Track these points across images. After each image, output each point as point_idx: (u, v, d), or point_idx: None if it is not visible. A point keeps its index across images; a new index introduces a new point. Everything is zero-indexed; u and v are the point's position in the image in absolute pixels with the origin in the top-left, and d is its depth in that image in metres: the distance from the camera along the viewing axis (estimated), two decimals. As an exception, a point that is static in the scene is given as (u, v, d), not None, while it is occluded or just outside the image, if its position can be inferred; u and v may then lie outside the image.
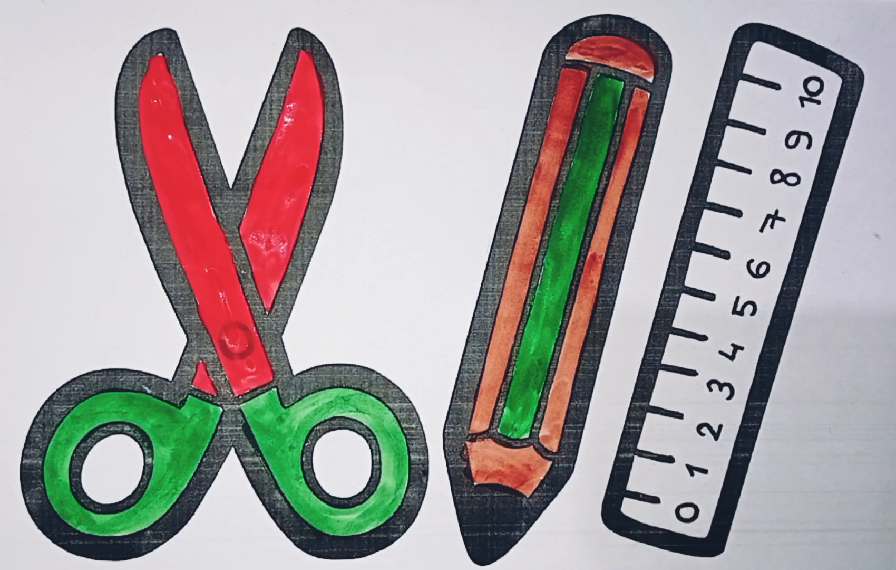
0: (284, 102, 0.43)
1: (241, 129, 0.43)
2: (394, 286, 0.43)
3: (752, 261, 0.44)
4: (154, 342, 0.43)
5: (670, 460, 0.45)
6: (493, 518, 0.44)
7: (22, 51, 0.42)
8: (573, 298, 0.44)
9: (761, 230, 0.44)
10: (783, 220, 0.44)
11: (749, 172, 0.44)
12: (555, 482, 0.44)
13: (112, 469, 0.43)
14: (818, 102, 0.44)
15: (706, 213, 0.44)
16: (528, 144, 0.43)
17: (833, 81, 0.44)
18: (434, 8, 0.43)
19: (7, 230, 0.42)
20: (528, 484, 0.44)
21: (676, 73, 0.44)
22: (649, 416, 0.44)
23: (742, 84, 0.44)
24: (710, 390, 0.44)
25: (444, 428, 0.44)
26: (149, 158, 0.43)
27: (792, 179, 0.44)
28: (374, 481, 0.44)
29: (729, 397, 0.44)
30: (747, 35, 0.44)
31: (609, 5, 0.44)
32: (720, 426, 0.45)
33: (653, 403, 0.44)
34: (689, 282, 0.44)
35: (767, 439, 0.45)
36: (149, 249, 0.43)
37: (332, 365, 0.43)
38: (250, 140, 0.43)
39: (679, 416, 0.44)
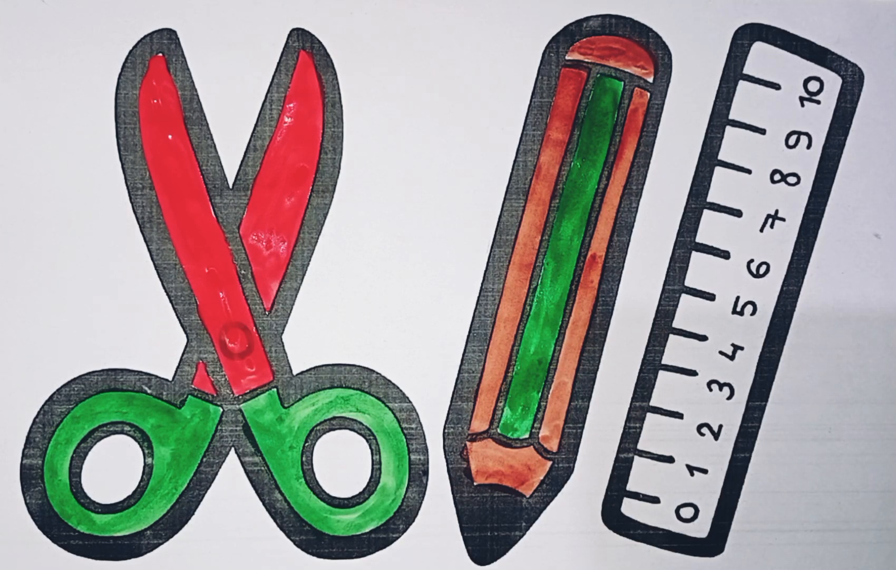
0: (284, 102, 0.43)
1: (241, 129, 0.43)
2: (394, 286, 0.43)
3: (752, 261, 0.44)
4: (154, 342, 0.43)
5: (670, 460, 0.45)
6: (493, 518, 0.44)
7: (22, 51, 0.42)
8: (573, 298, 0.44)
9: (761, 230, 0.44)
10: (783, 220, 0.44)
11: (749, 172, 0.44)
12: (555, 482, 0.44)
13: (112, 469, 0.43)
14: (818, 102, 0.44)
15: (706, 213, 0.44)
16: (528, 144, 0.43)
17: (833, 81, 0.44)
18: (434, 8, 0.43)
19: (7, 230, 0.42)
20: (528, 484, 0.44)
21: (676, 73, 0.44)
22: (649, 416, 0.44)
23: (742, 84, 0.44)
24: (710, 390, 0.44)
25: (444, 428, 0.44)
26: (149, 158, 0.43)
27: (792, 179, 0.44)
28: (374, 481, 0.44)
29: (729, 397, 0.44)
30: (747, 35, 0.44)
31: (609, 5, 0.44)
32: (720, 426, 0.45)
33: (653, 403, 0.44)
34: (689, 282, 0.44)
35: (767, 439, 0.45)
36: (149, 249, 0.43)
37: (332, 365, 0.43)
38: (250, 140, 0.43)
39: (679, 416, 0.44)
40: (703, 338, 0.44)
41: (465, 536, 0.44)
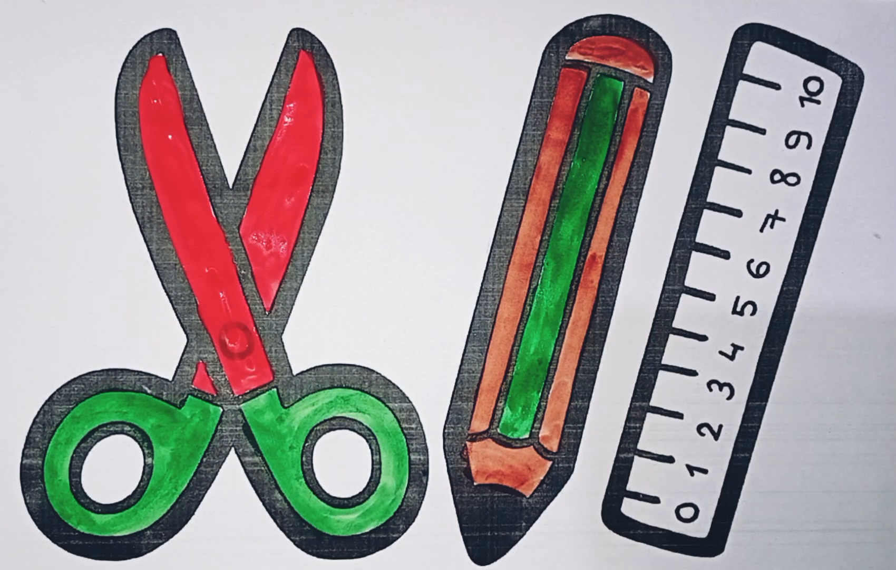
0: (284, 102, 0.43)
1: (241, 129, 0.43)
2: (394, 286, 0.43)
3: (752, 261, 0.44)
4: (154, 342, 0.43)
5: (670, 460, 0.45)
6: (493, 518, 0.44)
7: (22, 51, 0.42)
8: (573, 298, 0.44)
9: (761, 230, 0.44)
10: (783, 220, 0.44)
11: (749, 172, 0.44)
12: (555, 482, 0.44)
13: (112, 469, 0.43)
14: (818, 102, 0.44)
15: (706, 213, 0.44)
16: (528, 144, 0.43)
17: (833, 81, 0.44)
18: (434, 8, 0.43)
19: (7, 230, 0.42)
20: (528, 484, 0.44)
21: (676, 73, 0.44)
22: (649, 416, 0.44)
23: (742, 84, 0.44)
24: (710, 390, 0.44)
25: (444, 428, 0.44)
26: (149, 158, 0.43)
27: (792, 179, 0.44)
28: (374, 481, 0.44)
29: (729, 397, 0.44)
30: (747, 35, 0.44)
31: (609, 5, 0.44)
32: (720, 426, 0.45)
33: (653, 403, 0.44)
34: (689, 282, 0.44)
35: (767, 439, 0.45)
36: (149, 249, 0.43)
37: (332, 365, 0.43)
38: (250, 140, 0.43)
39: (679, 416, 0.44)
40: (703, 338, 0.44)
41: (465, 536, 0.44)
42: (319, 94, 0.43)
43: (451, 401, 0.44)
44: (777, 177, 0.44)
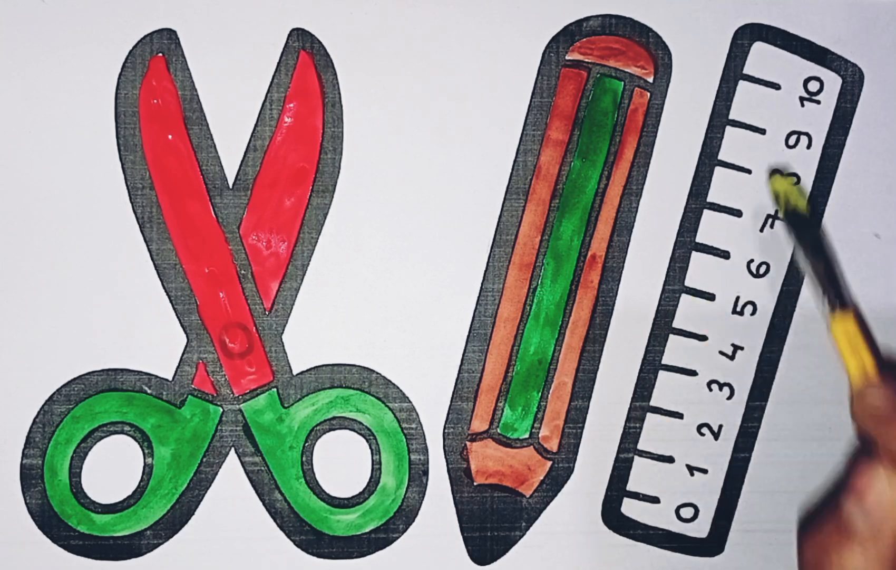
0: (284, 102, 0.43)
1: (241, 129, 0.43)
2: (394, 286, 0.43)
3: (752, 261, 0.44)
4: (154, 342, 0.43)
5: (670, 460, 0.45)
6: (493, 518, 0.44)
7: (22, 51, 0.42)
8: (573, 298, 0.44)
9: (761, 230, 0.44)
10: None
11: (749, 172, 0.44)
12: (555, 482, 0.44)
13: (112, 469, 0.43)
14: (818, 102, 0.44)
15: (706, 213, 0.44)
16: (528, 144, 0.43)
17: (833, 81, 0.44)
18: (434, 8, 0.43)
19: (7, 230, 0.42)
20: (528, 484, 0.44)
21: (676, 73, 0.44)
22: (649, 416, 0.44)
23: (742, 84, 0.44)
24: (710, 390, 0.44)
25: (444, 428, 0.44)
26: (149, 158, 0.43)
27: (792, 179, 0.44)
28: (374, 481, 0.44)
29: (729, 397, 0.44)
30: (747, 35, 0.44)
31: (609, 5, 0.44)
32: (720, 426, 0.45)
33: (653, 403, 0.44)
34: (689, 282, 0.44)
35: (767, 439, 0.45)
36: (149, 249, 0.43)
37: (332, 365, 0.43)
38: (250, 140, 0.43)
39: (679, 416, 0.44)
40: (703, 338, 0.44)
41: (465, 536, 0.44)
42: (319, 94, 0.43)
43: (451, 401, 0.44)
44: (777, 177, 0.44)
